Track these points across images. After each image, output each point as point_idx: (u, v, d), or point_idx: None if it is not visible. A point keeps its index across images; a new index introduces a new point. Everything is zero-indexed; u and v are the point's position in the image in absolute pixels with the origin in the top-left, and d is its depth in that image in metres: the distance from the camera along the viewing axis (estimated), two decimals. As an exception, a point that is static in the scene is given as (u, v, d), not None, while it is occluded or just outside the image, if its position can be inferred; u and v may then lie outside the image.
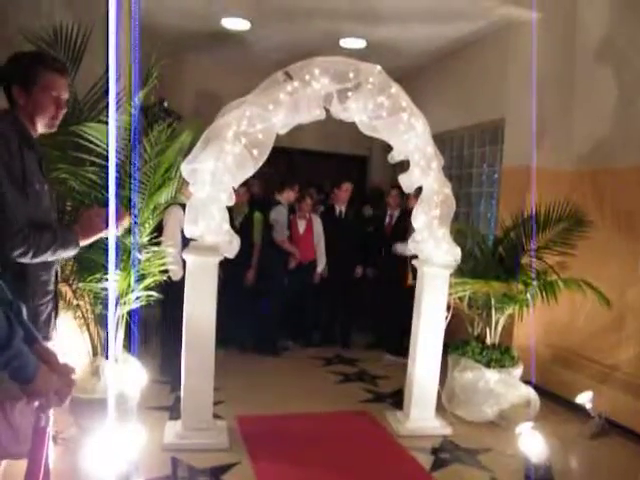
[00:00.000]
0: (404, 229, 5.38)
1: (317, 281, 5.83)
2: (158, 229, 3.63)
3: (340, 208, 6.02)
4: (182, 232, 3.55)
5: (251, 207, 5.60)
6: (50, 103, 2.04)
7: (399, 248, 5.39)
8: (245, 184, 4.98)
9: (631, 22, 4.31)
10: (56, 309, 2.18)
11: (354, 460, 3.50)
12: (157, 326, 4.91)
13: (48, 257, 2.00)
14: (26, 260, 1.91)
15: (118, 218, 2.38)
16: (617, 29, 4.45)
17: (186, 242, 3.57)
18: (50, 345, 2.02)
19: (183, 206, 3.51)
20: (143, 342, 3.73)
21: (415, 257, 4.09)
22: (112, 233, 2.40)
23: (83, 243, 2.19)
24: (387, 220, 5.94)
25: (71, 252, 2.15)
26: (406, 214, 5.54)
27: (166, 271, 3.47)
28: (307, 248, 5.76)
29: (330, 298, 5.97)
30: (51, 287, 2.10)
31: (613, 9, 4.49)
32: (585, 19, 4.76)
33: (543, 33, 4.69)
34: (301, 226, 5.78)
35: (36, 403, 1.50)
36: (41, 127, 2.08)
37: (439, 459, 3.55)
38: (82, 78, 3.33)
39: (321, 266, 5.82)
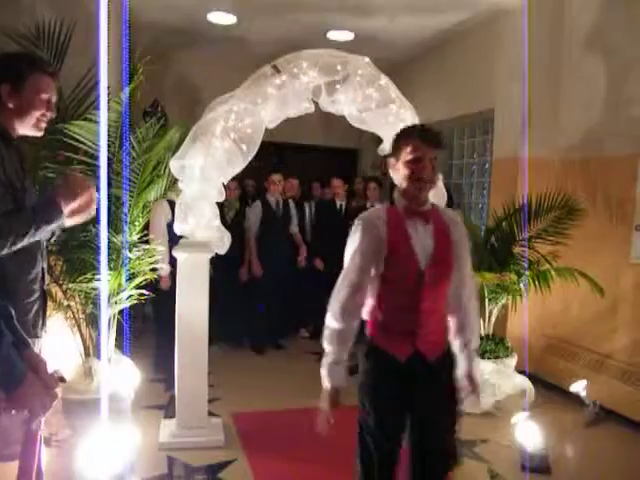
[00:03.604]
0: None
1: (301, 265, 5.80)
2: (146, 226, 3.59)
3: (340, 202, 6.02)
4: (168, 226, 3.51)
5: (242, 203, 5.57)
6: (40, 105, 1.99)
7: None
8: (237, 180, 4.97)
9: (620, 10, 4.29)
10: (44, 307, 2.14)
11: (350, 455, 3.48)
12: (150, 324, 4.89)
13: (33, 236, 1.86)
14: (7, 250, 1.79)
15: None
16: (606, 17, 4.44)
17: (172, 236, 3.53)
18: (38, 343, 2.00)
19: (171, 203, 3.48)
20: (136, 340, 3.70)
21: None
22: (103, 231, 2.34)
23: (67, 209, 1.95)
24: None
25: (57, 222, 1.94)
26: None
27: (156, 269, 3.44)
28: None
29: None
30: (37, 285, 2.07)
31: (601, -3, 4.49)
32: (573, 7, 4.75)
33: (532, 22, 4.66)
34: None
35: (25, 413, 1.48)
36: (26, 128, 2.03)
37: (436, 451, 3.55)
38: (66, 76, 3.29)
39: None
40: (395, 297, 2.07)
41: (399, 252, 1.99)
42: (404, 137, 2.03)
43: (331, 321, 2.08)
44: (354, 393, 4.72)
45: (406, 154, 1.98)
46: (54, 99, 2.06)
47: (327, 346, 2.15)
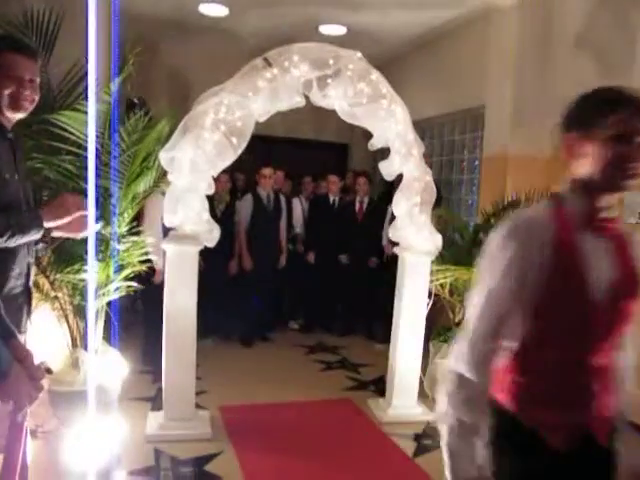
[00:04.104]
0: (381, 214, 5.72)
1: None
2: (137, 218, 3.58)
3: (334, 197, 6.04)
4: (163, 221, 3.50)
5: (232, 196, 5.56)
6: (10, 83, 1.96)
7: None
8: (227, 173, 4.95)
9: (610, 8, 4.31)
10: (29, 303, 2.13)
11: (337, 448, 3.52)
12: (139, 316, 4.87)
13: (7, 242, 1.89)
14: None
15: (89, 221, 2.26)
16: (595, 17, 4.46)
17: (167, 231, 3.53)
18: (22, 338, 1.99)
19: (166, 196, 3.46)
20: (125, 332, 3.69)
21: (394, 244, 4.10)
22: (91, 227, 2.33)
23: (49, 225, 2.06)
24: (357, 206, 5.96)
25: (34, 235, 2.01)
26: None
27: (146, 261, 3.42)
28: None
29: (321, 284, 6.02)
30: (22, 280, 2.06)
31: (592, -5, 4.51)
32: (563, 6, 4.76)
33: (522, 19, 4.69)
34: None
35: (10, 404, 1.46)
36: (8, 112, 2.01)
37: (422, 445, 3.58)
38: (55, 65, 3.26)
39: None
40: (553, 346, 1.40)
41: (568, 280, 1.35)
42: (609, 103, 1.41)
43: (462, 372, 1.36)
44: (337, 383, 4.75)
45: (611, 128, 1.33)
46: (28, 77, 2.02)
47: (455, 412, 1.35)
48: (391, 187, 5.48)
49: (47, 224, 2.05)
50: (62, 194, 2.22)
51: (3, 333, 1.47)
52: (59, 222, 2.09)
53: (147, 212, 4.06)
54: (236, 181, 6.18)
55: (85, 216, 2.16)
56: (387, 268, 5.12)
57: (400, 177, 3.97)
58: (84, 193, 2.86)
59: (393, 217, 5.14)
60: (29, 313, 2.14)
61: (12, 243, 1.93)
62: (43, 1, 3.47)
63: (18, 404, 1.47)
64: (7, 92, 1.97)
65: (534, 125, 4.88)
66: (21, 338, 1.98)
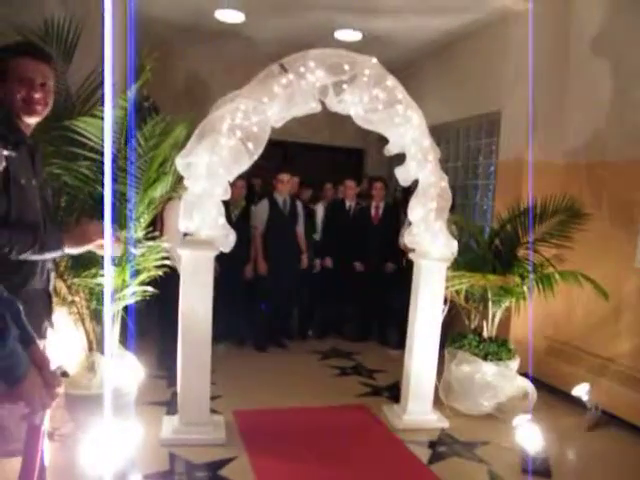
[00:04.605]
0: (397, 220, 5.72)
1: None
2: (153, 223, 3.60)
3: (350, 203, 6.03)
4: None
5: (248, 201, 5.58)
6: (20, 87, 1.98)
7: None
8: (244, 178, 4.96)
9: (627, 13, 4.28)
10: (49, 307, 2.15)
11: (352, 454, 3.50)
12: (155, 320, 4.89)
13: (30, 256, 1.99)
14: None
15: (114, 239, 2.35)
16: (612, 21, 4.43)
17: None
18: (42, 344, 2.01)
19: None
20: (140, 337, 3.71)
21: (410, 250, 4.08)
22: (107, 245, 2.35)
23: (70, 251, 2.17)
24: (373, 212, 5.96)
25: (54, 255, 2.12)
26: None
27: (162, 266, 3.44)
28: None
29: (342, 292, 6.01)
30: (42, 285, 2.08)
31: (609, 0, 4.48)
32: (581, 10, 4.74)
33: (539, 25, 4.66)
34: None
35: (26, 408, 1.48)
36: (23, 116, 2.03)
37: (437, 452, 3.55)
38: (75, 72, 3.30)
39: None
40: None
41: None
42: None
43: None
44: (351, 389, 4.75)
45: None
46: (40, 80, 2.03)
47: None
48: (407, 192, 5.52)
49: (68, 250, 2.14)
50: (82, 224, 2.29)
51: (23, 338, 1.49)
52: (80, 250, 2.21)
53: (167, 218, 4.08)
54: (252, 186, 6.20)
55: (100, 243, 2.24)
56: (404, 273, 5.11)
57: (416, 182, 3.96)
58: (101, 198, 2.89)
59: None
60: (49, 318, 2.16)
61: (32, 258, 2.01)
62: (63, 10, 3.52)
63: (32, 409, 1.48)
64: (19, 96, 1.99)
65: (550, 130, 4.85)
66: (41, 344, 1.99)
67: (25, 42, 2.48)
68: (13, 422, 1.51)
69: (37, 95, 2.02)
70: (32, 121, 2.07)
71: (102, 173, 3.05)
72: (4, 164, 1.75)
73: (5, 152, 1.78)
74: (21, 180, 1.94)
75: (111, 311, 3.24)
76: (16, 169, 1.92)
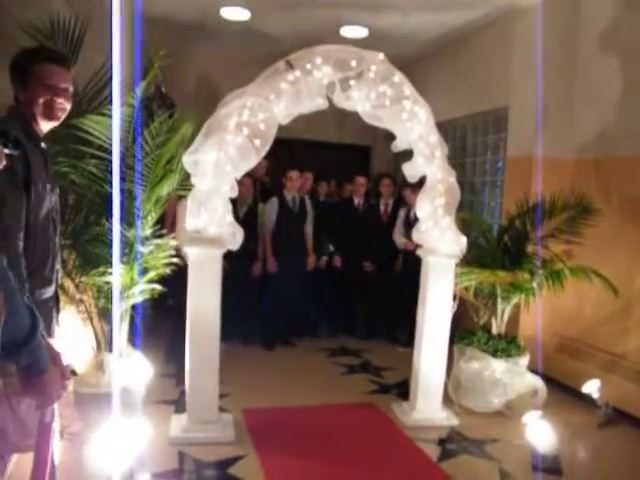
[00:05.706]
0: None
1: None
2: (161, 220, 3.60)
3: (358, 200, 6.00)
4: None
5: (255, 198, 5.56)
6: (43, 91, 1.99)
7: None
8: (250, 176, 4.95)
9: (636, 8, 4.24)
10: (57, 307, 2.16)
11: (361, 452, 3.49)
12: (163, 318, 4.89)
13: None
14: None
15: None
16: (621, 16, 4.39)
17: None
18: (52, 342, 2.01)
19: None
20: (149, 335, 3.71)
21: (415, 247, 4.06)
22: (116, 225, 2.35)
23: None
24: (382, 209, 5.94)
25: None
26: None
27: (170, 264, 3.44)
28: None
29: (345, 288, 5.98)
30: (52, 286, 2.08)
31: (618, -6, 4.44)
32: (589, 5, 4.70)
33: (547, 20, 4.63)
34: None
35: (35, 401, 1.48)
36: (42, 121, 2.04)
37: (446, 450, 3.53)
38: (81, 70, 3.30)
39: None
40: None
41: None
42: None
43: None
44: (359, 387, 4.74)
45: None
46: (63, 85, 2.05)
47: None
48: (401, 188, 5.74)
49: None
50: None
51: (43, 333, 1.50)
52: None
53: (180, 217, 4.06)
54: (262, 184, 6.17)
55: None
56: (408, 268, 5.10)
57: (422, 179, 3.94)
58: (108, 196, 2.89)
59: (406, 219, 5.14)
60: (57, 318, 2.16)
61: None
62: (69, 8, 3.52)
63: (47, 400, 1.49)
64: (42, 100, 2.01)
65: (559, 126, 4.82)
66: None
67: (47, 48, 2.49)
68: (31, 416, 1.51)
69: (60, 100, 2.04)
70: (48, 127, 2.09)
71: (110, 171, 3.05)
72: (4, 162, 1.75)
73: (7, 151, 1.77)
74: (39, 187, 1.95)
75: (119, 309, 3.24)
76: (35, 172, 1.92)
